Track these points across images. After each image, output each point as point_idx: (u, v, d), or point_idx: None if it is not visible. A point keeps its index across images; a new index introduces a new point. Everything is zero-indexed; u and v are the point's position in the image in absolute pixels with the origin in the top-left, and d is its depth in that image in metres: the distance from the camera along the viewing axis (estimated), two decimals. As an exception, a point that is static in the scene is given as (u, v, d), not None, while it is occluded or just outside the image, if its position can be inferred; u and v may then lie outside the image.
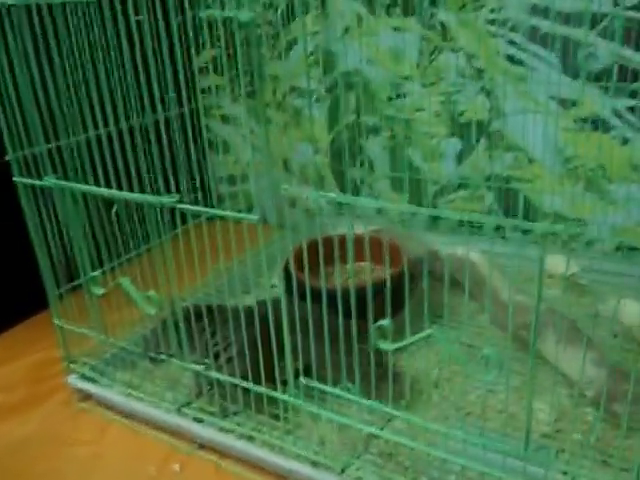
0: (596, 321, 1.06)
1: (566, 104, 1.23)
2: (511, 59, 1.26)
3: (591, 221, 1.28)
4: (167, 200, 0.73)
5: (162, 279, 0.81)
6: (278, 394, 0.81)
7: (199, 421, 0.88)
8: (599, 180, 1.25)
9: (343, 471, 0.78)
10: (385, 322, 0.66)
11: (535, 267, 0.60)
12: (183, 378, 0.97)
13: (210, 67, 1.58)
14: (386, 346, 0.68)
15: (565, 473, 0.75)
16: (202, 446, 0.88)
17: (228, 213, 0.70)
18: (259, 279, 1.03)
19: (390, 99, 1.42)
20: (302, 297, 0.76)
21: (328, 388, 0.77)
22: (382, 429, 0.82)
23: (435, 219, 1.40)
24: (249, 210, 1.69)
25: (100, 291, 0.85)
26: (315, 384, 0.77)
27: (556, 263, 1.16)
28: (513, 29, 1.23)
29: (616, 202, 1.25)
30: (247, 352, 0.82)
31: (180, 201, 0.73)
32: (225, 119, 1.65)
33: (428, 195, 1.44)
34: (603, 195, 1.25)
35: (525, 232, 1.35)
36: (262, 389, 0.82)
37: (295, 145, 1.58)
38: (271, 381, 0.82)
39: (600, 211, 1.26)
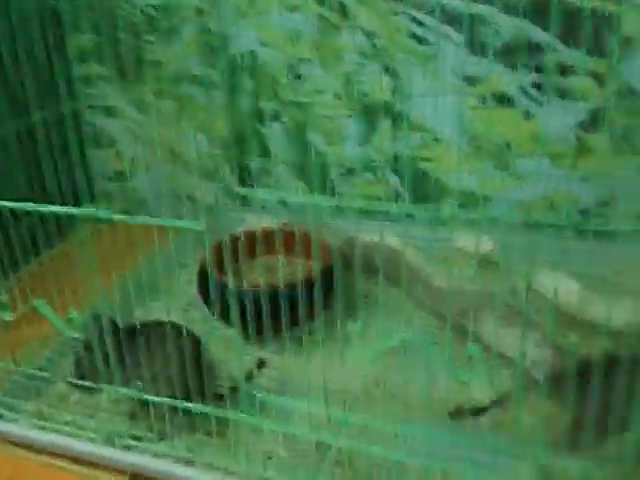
0: (518, 296, 1.05)
1: (471, 81, 1.20)
2: (415, 37, 1.21)
3: (500, 197, 1.27)
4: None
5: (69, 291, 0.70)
6: (219, 411, 0.71)
7: (129, 448, 0.76)
8: (506, 156, 1.24)
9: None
10: (356, 326, 0.58)
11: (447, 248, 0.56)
12: (105, 402, 0.84)
13: (90, 54, 1.43)
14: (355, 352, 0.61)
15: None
16: (134, 476, 0.76)
17: (167, 221, 0.60)
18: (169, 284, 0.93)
19: (288, 82, 1.34)
20: (223, 299, 0.68)
21: (273, 397, 0.69)
22: (334, 436, 0.75)
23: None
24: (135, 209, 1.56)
25: (10, 316, 0.72)
26: (260, 394, 0.69)
27: (469, 242, 1.14)
28: (416, 7, 1.19)
29: (523, 177, 1.24)
30: (178, 368, 0.73)
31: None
32: (109, 111, 1.50)
33: (332, 180, 1.38)
34: (510, 171, 1.24)
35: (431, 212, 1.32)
36: (203, 407, 0.72)
37: (188, 136, 1.46)
38: (203, 397, 0.73)
39: (508, 186, 1.25)
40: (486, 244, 1.15)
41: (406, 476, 0.71)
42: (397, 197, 1.34)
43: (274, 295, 0.64)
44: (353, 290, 1.04)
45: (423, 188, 1.30)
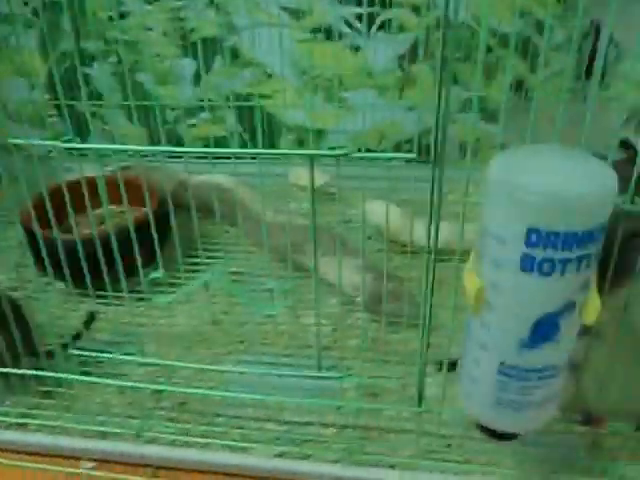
0: (350, 226, 1.08)
1: (297, 14, 1.19)
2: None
3: (333, 129, 1.29)
4: None
5: None
6: (47, 372, 0.69)
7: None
8: (336, 89, 1.25)
9: (138, 435, 0.70)
10: (158, 274, 0.57)
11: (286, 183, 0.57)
12: None
13: None
14: (163, 299, 0.61)
15: (350, 375, 0.76)
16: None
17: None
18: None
19: (112, 19, 1.26)
20: (51, 254, 0.65)
21: (103, 354, 0.67)
22: (168, 383, 0.75)
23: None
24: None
25: None
26: (86, 353, 0.67)
27: (305, 175, 1.16)
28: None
29: (354, 108, 1.26)
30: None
31: None
32: None
33: (169, 122, 1.33)
34: (341, 103, 1.26)
35: (272, 148, 1.32)
36: (28, 371, 0.69)
37: (6, 82, 1.35)
38: (35, 357, 0.70)
39: (340, 119, 1.27)
40: (321, 177, 1.17)
41: (244, 410, 0.73)
42: (233, 135, 1.32)
43: (102, 244, 0.61)
44: (191, 232, 1.02)
45: (259, 124, 1.30)
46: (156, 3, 1.23)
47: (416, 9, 1.16)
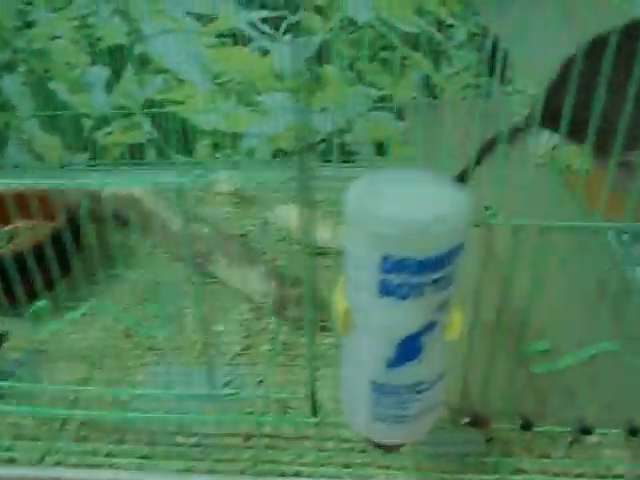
0: (267, 229, 1.09)
1: (203, 20, 1.18)
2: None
3: (248, 133, 1.28)
4: None
5: None
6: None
7: None
8: (249, 92, 1.24)
9: (42, 459, 0.69)
10: (40, 303, 0.57)
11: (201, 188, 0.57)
12: None
13: None
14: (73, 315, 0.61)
15: (261, 381, 0.77)
16: None
17: None
18: None
19: (19, 29, 1.22)
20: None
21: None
22: (73, 405, 0.75)
23: (93, 159, 1.30)
24: None
25: None
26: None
27: (222, 179, 1.16)
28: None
29: (267, 111, 1.26)
30: None
31: None
32: None
33: (85, 130, 1.31)
34: (255, 106, 1.26)
35: (189, 154, 1.31)
36: None
37: None
38: None
39: (255, 122, 1.27)
40: (237, 181, 1.17)
41: (152, 425, 0.73)
42: (151, 142, 1.30)
43: (14, 260, 0.60)
44: (106, 245, 1.01)
45: (176, 130, 1.28)
46: (61, 11, 1.20)
47: (321, 11, 1.17)
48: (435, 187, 0.44)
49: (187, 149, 1.30)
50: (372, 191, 0.44)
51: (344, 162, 1.29)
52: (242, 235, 1.07)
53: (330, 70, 1.22)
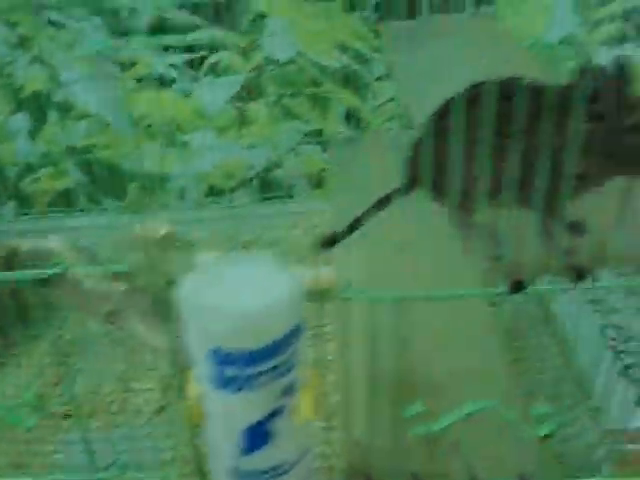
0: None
1: (124, 66, 1.16)
2: (53, 24, 1.13)
3: (177, 174, 1.26)
4: None
5: None
6: None
7: None
8: (174, 133, 1.22)
9: None
10: None
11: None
12: None
13: None
14: None
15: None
16: None
17: None
18: None
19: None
20: None
21: None
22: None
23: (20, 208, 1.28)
24: None
25: None
26: None
27: (151, 225, 1.13)
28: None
29: (194, 152, 1.24)
30: None
31: None
32: None
33: (11, 178, 1.28)
34: (181, 147, 1.24)
35: (119, 199, 1.29)
36: None
37: None
38: None
39: (183, 162, 1.25)
40: (163, 226, 1.14)
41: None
42: (81, 187, 1.28)
43: None
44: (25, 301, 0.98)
45: (104, 176, 1.26)
46: (-21, 61, 1.17)
47: (242, 51, 1.15)
48: (269, 272, 0.42)
49: (117, 193, 1.27)
50: (205, 282, 0.42)
51: (279, 197, 1.27)
52: (169, 282, 1.05)
53: (256, 107, 1.20)
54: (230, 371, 0.41)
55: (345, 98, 1.18)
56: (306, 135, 1.23)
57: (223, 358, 0.40)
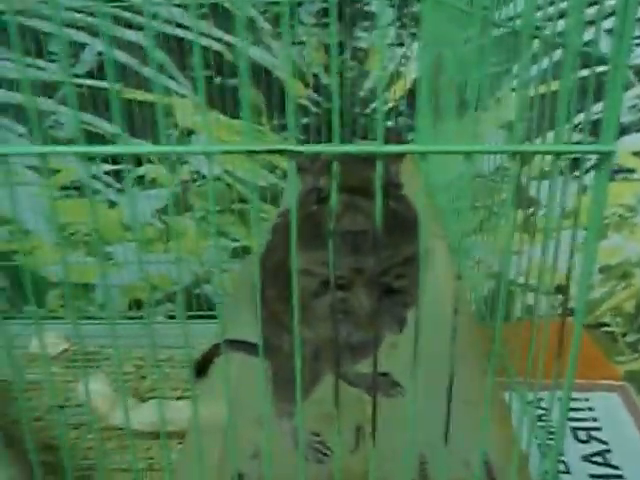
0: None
1: (47, 173, 1.11)
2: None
3: (99, 284, 1.19)
4: None
5: None
6: None
7: None
8: (97, 244, 1.16)
9: None
10: None
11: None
12: None
13: None
14: None
15: None
16: None
17: None
18: None
19: None
20: None
21: None
22: None
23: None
24: None
25: None
26: None
27: (48, 342, 1.05)
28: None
29: (119, 263, 1.17)
30: None
31: None
32: None
33: None
34: (104, 257, 1.17)
35: (40, 306, 1.21)
36: None
37: None
38: None
39: (106, 272, 1.18)
40: (60, 343, 1.06)
41: None
42: (2, 292, 1.21)
43: None
44: None
45: (24, 282, 1.19)
46: None
47: (169, 165, 1.10)
48: None
49: (38, 301, 1.20)
50: None
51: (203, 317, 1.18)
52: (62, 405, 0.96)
53: (181, 221, 1.14)
54: None
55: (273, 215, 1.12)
56: (235, 252, 1.16)
57: None
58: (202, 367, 0.58)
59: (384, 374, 0.47)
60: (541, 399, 0.39)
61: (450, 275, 0.66)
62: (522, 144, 0.31)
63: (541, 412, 0.42)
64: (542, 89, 0.43)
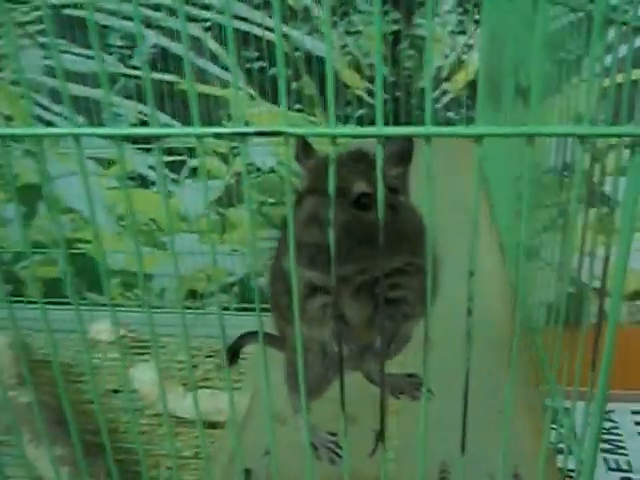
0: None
1: (104, 164, 1.13)
2: (40, 119, 1.12)
3: (158, 273, 1.21)
4: None
5: None
6: None
7: None
8: (154, 233, 1.17)
9: None
10: None
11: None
12: None
13: None
14: None
15: None
16: None
17: None
18: None
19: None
20: None
21: None
22: None
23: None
24: None
25: None
26: None
27: (104, 328, 1.07)
28: (37, 90, 1.10)
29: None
30: None
31: None
32: None
33: (4, 262, 1.26)
34: (161, 247, 1.18)
35: (100, 293, 1.24)
36: None
37: None
38: None
39: (163, 262, 1.19)
40: (122, 329, 1.08)
41: None
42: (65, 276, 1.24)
43: None
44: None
45: (86, 270, 1.22)
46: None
47: (223, 157, 1.10)
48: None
49: (99, 288, 1.22)
50: None
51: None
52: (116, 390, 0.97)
53: (237, 213, 1.14)
54: None
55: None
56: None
57: None
58: (231, 357, 0.58)
59: (411, 375, 0.45)
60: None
61: (501, 280, 0.62)
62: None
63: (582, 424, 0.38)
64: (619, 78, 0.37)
